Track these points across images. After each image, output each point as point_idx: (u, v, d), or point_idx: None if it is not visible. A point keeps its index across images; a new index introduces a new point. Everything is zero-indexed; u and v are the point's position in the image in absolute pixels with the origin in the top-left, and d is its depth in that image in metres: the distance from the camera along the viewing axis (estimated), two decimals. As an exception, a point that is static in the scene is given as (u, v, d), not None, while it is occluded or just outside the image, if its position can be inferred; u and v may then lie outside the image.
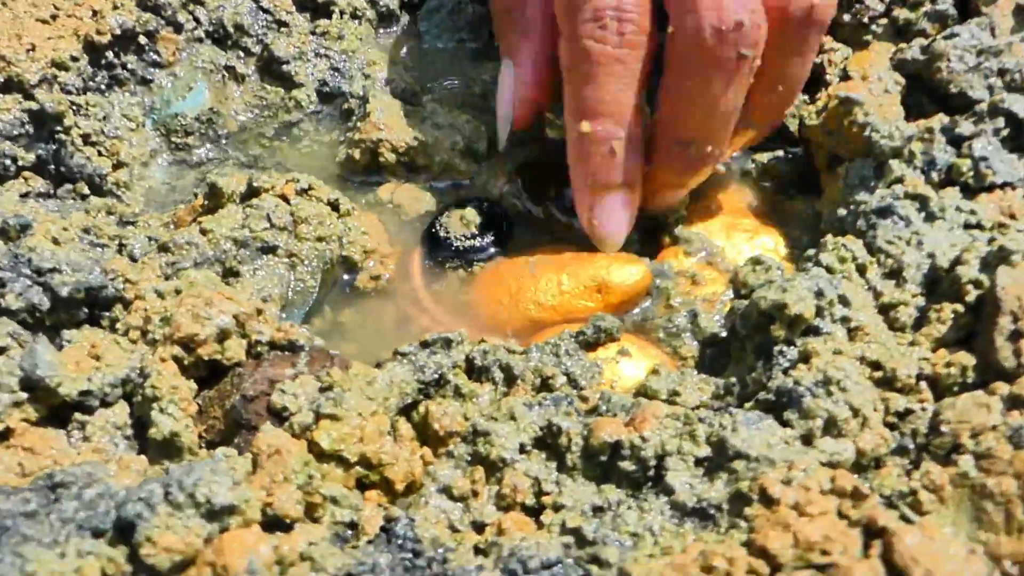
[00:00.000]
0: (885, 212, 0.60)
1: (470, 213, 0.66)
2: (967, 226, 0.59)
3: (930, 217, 0.59)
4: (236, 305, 0.54)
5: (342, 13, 0.80)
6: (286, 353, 0.55)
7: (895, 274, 0.58)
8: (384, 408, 0.51)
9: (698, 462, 0.48)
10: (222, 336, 0.54)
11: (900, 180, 0.61)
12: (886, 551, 0.41)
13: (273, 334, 0.55)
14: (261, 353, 0.55)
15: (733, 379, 0.54)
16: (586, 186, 0.61)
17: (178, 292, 0.56)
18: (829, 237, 0.60)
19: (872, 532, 0.42)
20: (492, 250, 0.65)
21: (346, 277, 0.65)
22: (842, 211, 0.62)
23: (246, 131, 0.75)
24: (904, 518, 0.43)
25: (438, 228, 0.66)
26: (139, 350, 0.54)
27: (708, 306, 0.61)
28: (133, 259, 0.61)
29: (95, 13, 0.71)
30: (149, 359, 0.53)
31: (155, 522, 0.41)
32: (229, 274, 0.60)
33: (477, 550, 0.46)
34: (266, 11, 0.78)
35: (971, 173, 0.61)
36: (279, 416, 0.50)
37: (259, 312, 0.55)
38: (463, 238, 0.65)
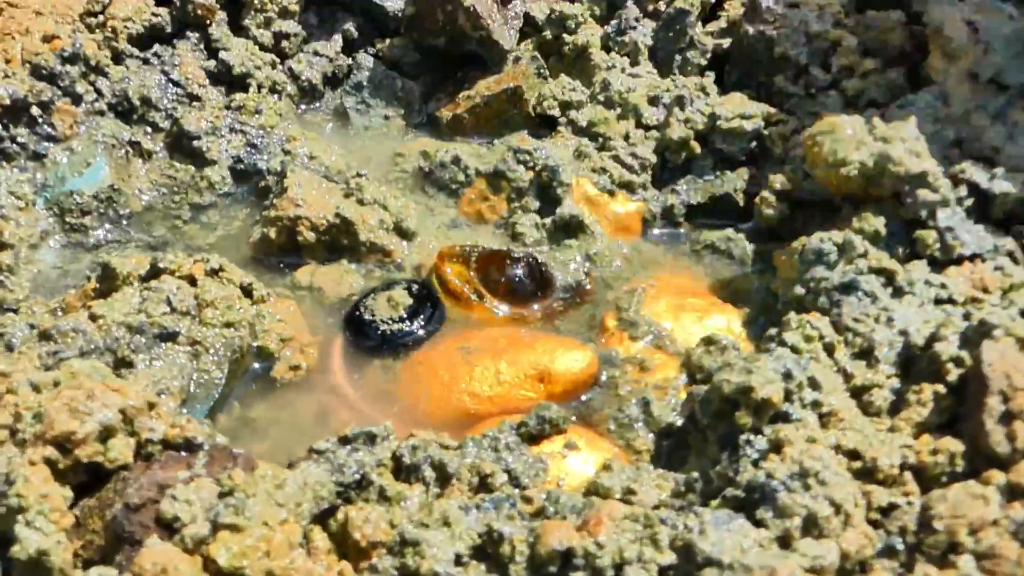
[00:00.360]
0: (849, 288, 0.55)
1: (398, 294, 0.60)
2: (938, 301, 0.54)
3: (898, 292, 0.55)
4: (123, 398, 0.47)
5: (260, 87, 0.75)
6: (181, 453, 0.47)
7: (866, 354, 0.52)
8: (296, 515, 0.44)
9: (662, 571, 0.42)
10: (105, 434, 0.46)
11: (863, 255, 0.57)
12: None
13: (167, 431, 0.47)
14: (152, 454, 0.47)
15: (695, 473, 0.48)
16: None
17: (56, 384, 0.48)
18: (792, 314, 0.55)
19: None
20: (421, 334, 0.59)
21: (258, 367, 0.58)
22: (800, 289, 0.57)
23: (151, 211, 0.68)
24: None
25: (362, 311, 0.59)
26: (4, 452, 0.45)
27: (660, 393, 0.55)
28: (10, 348, 0.53)
29: (-19, 81, 0.65)
30: (16, 463, 0.45)
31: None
32: (121, 364, 0.53)
33: None
34: (177, 84, 0.73)
35: (937, 245, 0.57)
36: (169, 527, 0.42)
37: (151, 406, 0.48)
38: (390, 322, 0.59)
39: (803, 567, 0.41)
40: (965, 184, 0.59)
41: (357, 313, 0.60)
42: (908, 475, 0.46)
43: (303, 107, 0.78)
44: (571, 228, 0.66)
